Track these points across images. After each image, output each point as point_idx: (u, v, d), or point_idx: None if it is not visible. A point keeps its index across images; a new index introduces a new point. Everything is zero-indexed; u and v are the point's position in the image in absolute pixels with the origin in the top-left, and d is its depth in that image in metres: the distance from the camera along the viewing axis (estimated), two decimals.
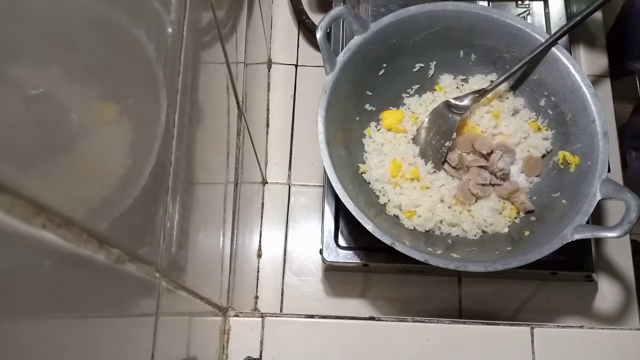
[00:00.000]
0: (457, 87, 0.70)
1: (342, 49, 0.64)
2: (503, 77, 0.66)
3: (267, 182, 0.78)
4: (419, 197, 0.64)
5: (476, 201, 0.65)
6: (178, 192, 0.38)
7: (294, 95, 0.82)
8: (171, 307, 0.37)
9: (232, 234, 0.57)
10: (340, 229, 0.67)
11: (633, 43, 1.01)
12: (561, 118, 0.65)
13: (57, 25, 0.23)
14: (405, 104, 0.70)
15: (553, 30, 0.68)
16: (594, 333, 0.56)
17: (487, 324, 0.56)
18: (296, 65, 0.83)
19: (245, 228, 0.65)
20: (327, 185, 0.68)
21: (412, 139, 0.68)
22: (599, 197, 0.57)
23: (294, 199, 0.77)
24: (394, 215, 0.64)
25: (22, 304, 0.21)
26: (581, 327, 0.57)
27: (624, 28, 1.04)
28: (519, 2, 0.76)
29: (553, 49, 0.64)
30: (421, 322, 0.56)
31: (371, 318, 0.57)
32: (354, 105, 0.67)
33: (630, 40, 1.02)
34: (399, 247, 0.56)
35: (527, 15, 0.75)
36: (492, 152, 0.66)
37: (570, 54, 0.66)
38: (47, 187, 0.22)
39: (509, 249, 0.61)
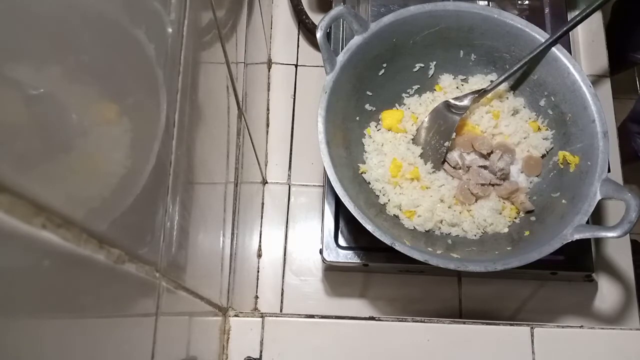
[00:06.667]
0: (457, 87, 0.70)
1: (342, 49, 0.64)
2: (503, 77, 0.66)
3: (267, 182, 0.78)
4: (419, 197, 0.64)
5: (476, 201, 0.65)
6: (178, 192, 0.38)
7: (294, 95, 0.82)
8: (171, 307, 0.37)
9: (232, 234, 0.57)
10: (340, 229, 0.67)
11: (636, 34, 1.01)
12: (561, 118, 0.65)
13: (57, 25, 0.23)
14: (405, 104, 0.70)
15: (553, 30, 0.68)
16: (594, 333, 0.56)
17: (487, 324, 0.56)
18: (296, 65, 0.83)
19: (245, 228, 0.65)
20: (327, 185, 0.68)
21: (412, 139, 0.68)
22: (599, 197, 0.57)
23: (294, 199, 0.77)
24: (394, 215, 0.64)
25: (22, 304, 0.21)
26: (581, 327, 0.57)
27: (625, 19, 1.03)
28: (519, 2, 0.76)
29: (553, 49, 0.64)
30: (421, 322, 0.56)
31: (371, 318, 0.56)
32: (354, 105, 0.67)
33: (633, 31, 1.01)
34: (399, 247, 0.56)
35: (527, 15, 0.75)
36: (492, 152, 0.66)
37: (570, 54, 0.66)
38: (47, 187, 0.22)
39: (509, 249, 0.61)
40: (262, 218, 0.76)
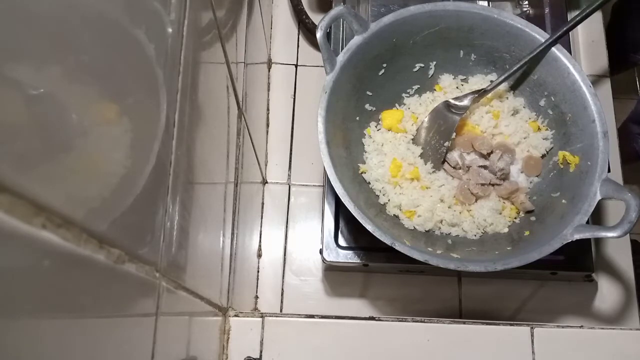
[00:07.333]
0: (457, 87, 0.70)
1: (342, 49, 0.64)
2: (503, 77, 0.66)
3: (267, 182, 0.78)
4: (419, 197, 0.64)
5: (476, 201, 0.65)
6: (178, 192, 0.38)
7: (294, 95, 0.82)
8: (171, 307, 0.37)
9: (232, 234, 0.57)
10: (340, 229, 0.67)
11: (636, 34, 1.01)
12: (561, 118, 0.65)
13: (57, 25, 0.23)
14: (405, 104, 0.70)
15: (553, 30, 0.68)
16: (594, 333, 0.56)
17: (487, 324, 0.56)
18: (296, 65, 0.83)
19: (245, 228, 0.65)
20: (327, 185, 0.68)
21: (412, 139, 0.68)
22: (599, 197, 0.57)
23: (294, 199, 0.77)
24: (394, 215, 0.64)
25: (22, 304, 0.21)
26: (581, 327, 0.57)
27: (625, 19, 1.03)
28: (519, 2, 0.76)
29: (553, 49, 0.64)
30: (421, 322, 0.56)
31: (371, 318, 0.56)
32: (354, 105, 0.67)
33: (633, 31, 1.01)
34: (399, 247, 0.56)
35: (527, 15, 0.75)
36: (492, 152, 0.66)
37: (570, 54, 0.66)
38: (47, 187, 0.22)
39: (509, 249, 0.61)
40: (262, 218, 0.76)
